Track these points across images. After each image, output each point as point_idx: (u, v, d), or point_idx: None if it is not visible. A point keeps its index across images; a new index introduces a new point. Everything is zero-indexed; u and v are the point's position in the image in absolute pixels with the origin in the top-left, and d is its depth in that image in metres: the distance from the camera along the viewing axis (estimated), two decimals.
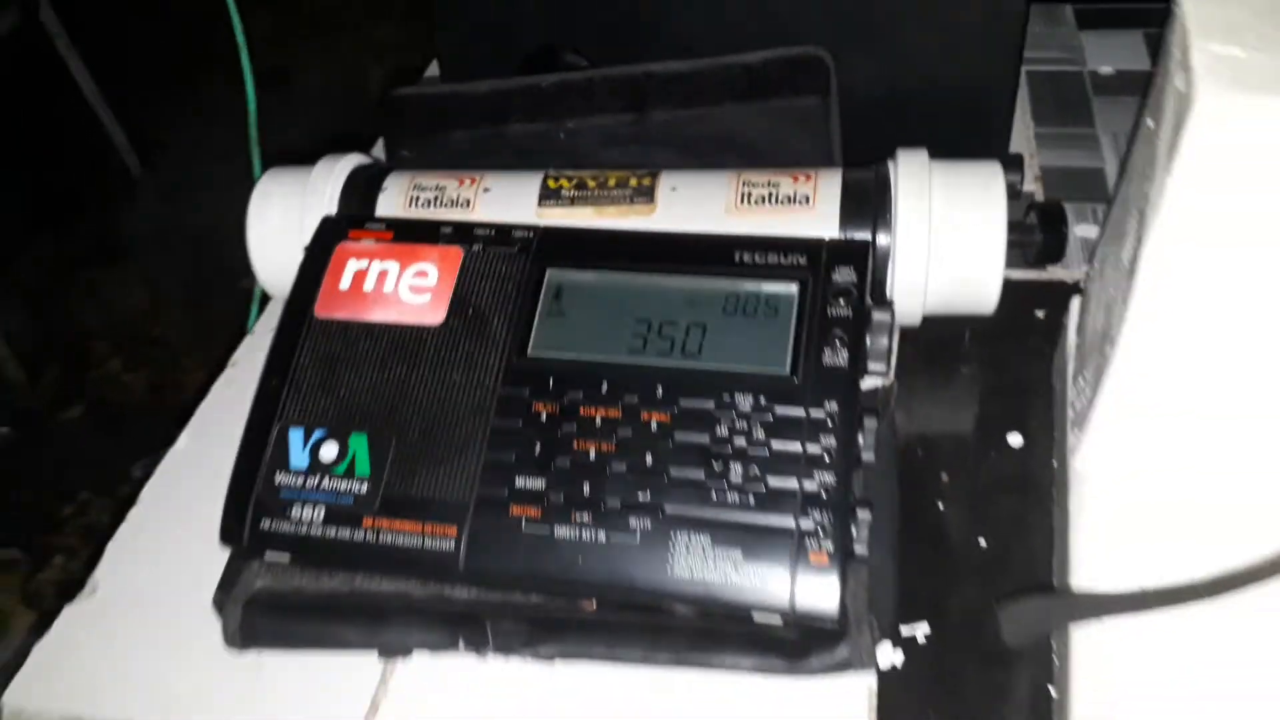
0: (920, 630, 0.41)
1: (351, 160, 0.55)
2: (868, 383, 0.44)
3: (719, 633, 0.40)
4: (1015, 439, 0.47)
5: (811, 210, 0.49)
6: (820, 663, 0.39)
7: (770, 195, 0.50)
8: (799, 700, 0.39)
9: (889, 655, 0.40)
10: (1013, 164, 0.51)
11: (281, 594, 0.43)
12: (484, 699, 0.41)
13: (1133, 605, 0.34)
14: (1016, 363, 0.50)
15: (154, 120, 1.73)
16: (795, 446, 0.40)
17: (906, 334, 0.52)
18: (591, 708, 0.40)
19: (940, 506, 0.45)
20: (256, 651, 0.43)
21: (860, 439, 0.41)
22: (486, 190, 0.53)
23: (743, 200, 0.50)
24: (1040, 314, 0.53)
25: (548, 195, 0.52)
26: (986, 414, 0.49)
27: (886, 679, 0.40)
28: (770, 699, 0.39)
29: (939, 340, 0.51)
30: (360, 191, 0.54)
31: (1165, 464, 0.35)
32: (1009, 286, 0.50)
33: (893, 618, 0.41)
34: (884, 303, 0.45)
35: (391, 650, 0.43)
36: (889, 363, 0.44)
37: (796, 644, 0.39)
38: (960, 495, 0.45)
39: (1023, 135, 0.64)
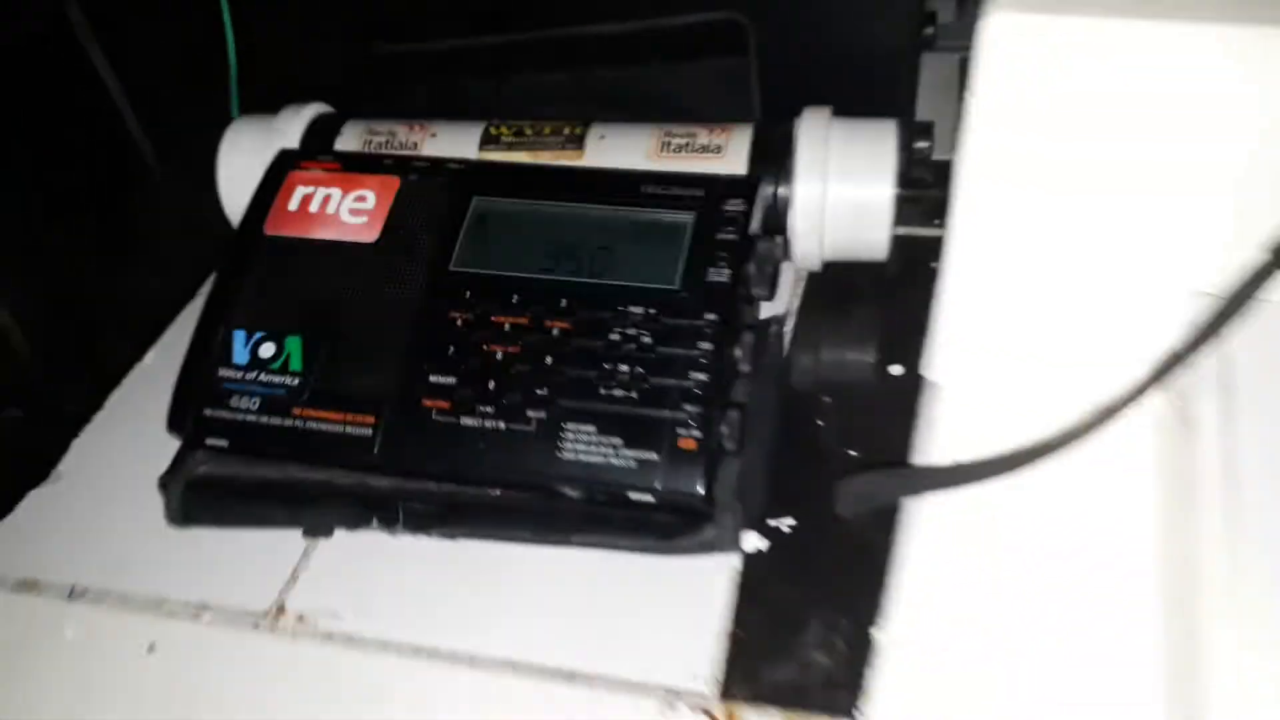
0: (785, 522, 0.45)
1: (315, 108, 0.61)
2: (764, 311, 0.49)
3: (603, 515, 0.44)
4: (896, 369, 0.52)
5: (721, 158, 0.54)
6: (689, 543, 0.44)
7: (687, 144, 0.54)
8: (671, 576, 0.43)
9: (754, 541, 0.45)
10: (922, 130, 0.56)
11: (219, 479, 0.48)
12: (393, 572, 0.46)
13: (953, 479, 0.38)
14: (906, 307, 0.54)
15: (173, 115, 1.79)
16: (677, 351, 0.44)
17: (811, 277, 0.57)
18: (485, 579, 0.45)
19: (820, 423, 0.50)
20: (195, 528, 0.48)
21: (738, 349, 0.45)
22: (434, 136, 0.58)
23: (663, 148, 0.55)
24: (933, 265, 0.57)
25: (488, 140, 0.57)
26: (873, 348, 0.53)
27: (751, 562, 0.44)
28: (647, 575, 0.44)
29: (839, 285, 0.56)
30: (320, 135, 0.59)
31: (990, 385, 0.40)
32: (908, 240, 0.55)
33: (761, 510, 0.45)
34: (774, 237, 0.50)
35: (314, 530, 0.47)
36: (773, 287, 0.48)
37: (669, 526, 0.44)
38: (838, 414, 0.50)
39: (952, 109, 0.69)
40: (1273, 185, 0.33)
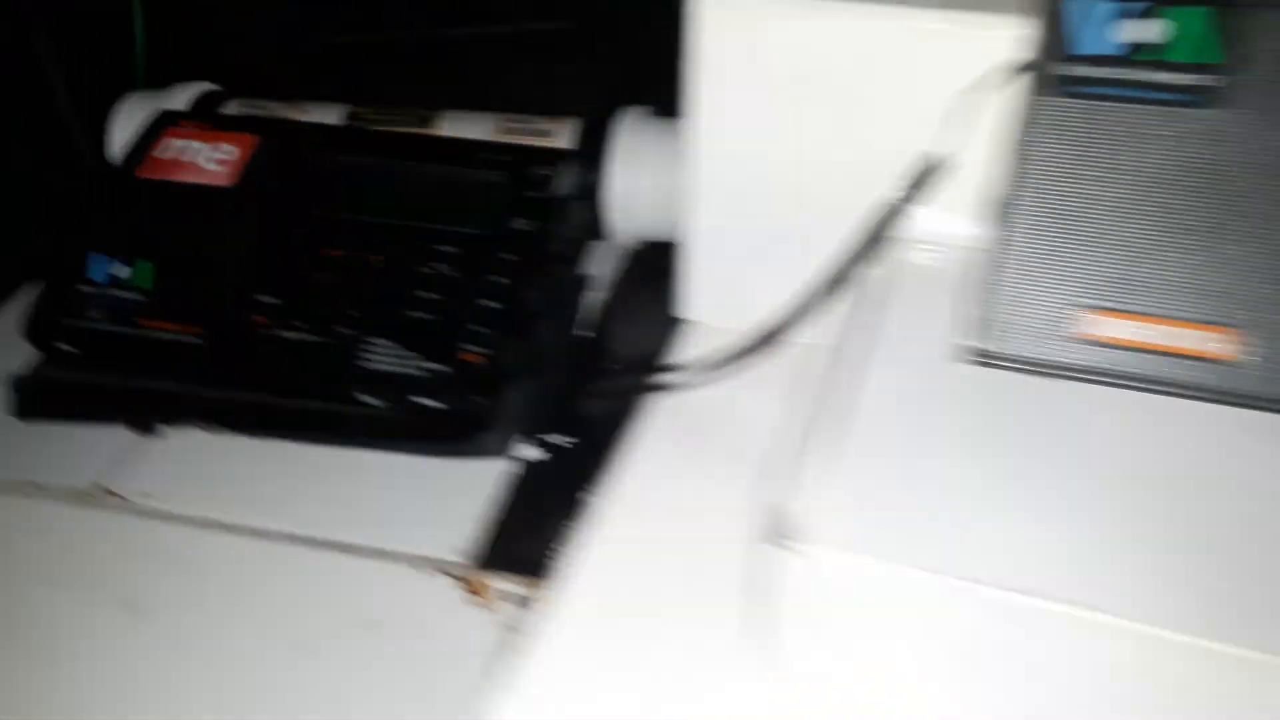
0: (566, 440, 0.52)
1: (202, 86, 0.68)
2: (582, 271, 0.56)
3: (393, 423, 0.51)
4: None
5: (549, 139, 0.61)
6: (469, 448, 0.50)
7: (523, 130, 0.62)
8: (452, 471, 0.50)
9: (532, 452, 0.51)
10: None
11: (61, 380, 0.54)
12: (201, 459, 0.51)
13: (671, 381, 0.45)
14: None
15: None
16: (476, 283, 0.51)
17: (630, 251, 0.64)
18: (282, 466, 0.50)
19: (616, 367, 0.56)
20: (38, 422, 0.53)
21: (533, 290, 0.52)
22: (304, 113, 0.65)
23: (503, 133, 0.62)
24: None
25: (352, 118, 0.64)
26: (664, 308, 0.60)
27: (529, 468, 0.50)
28: (428, 468, 0.50)
29: (654, 259, 0.63)
30: (205, 108, 0.66)
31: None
32: None
33: (544, 427, 0.52)
34: (585, 204, 0.57)
35: (140, 425, 0.53)
36: (578, 245, 0.56)
37: (453, 431, 0.50)
38: (628, 361, 0.57)
39: None
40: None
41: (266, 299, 0.52)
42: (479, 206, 0.54)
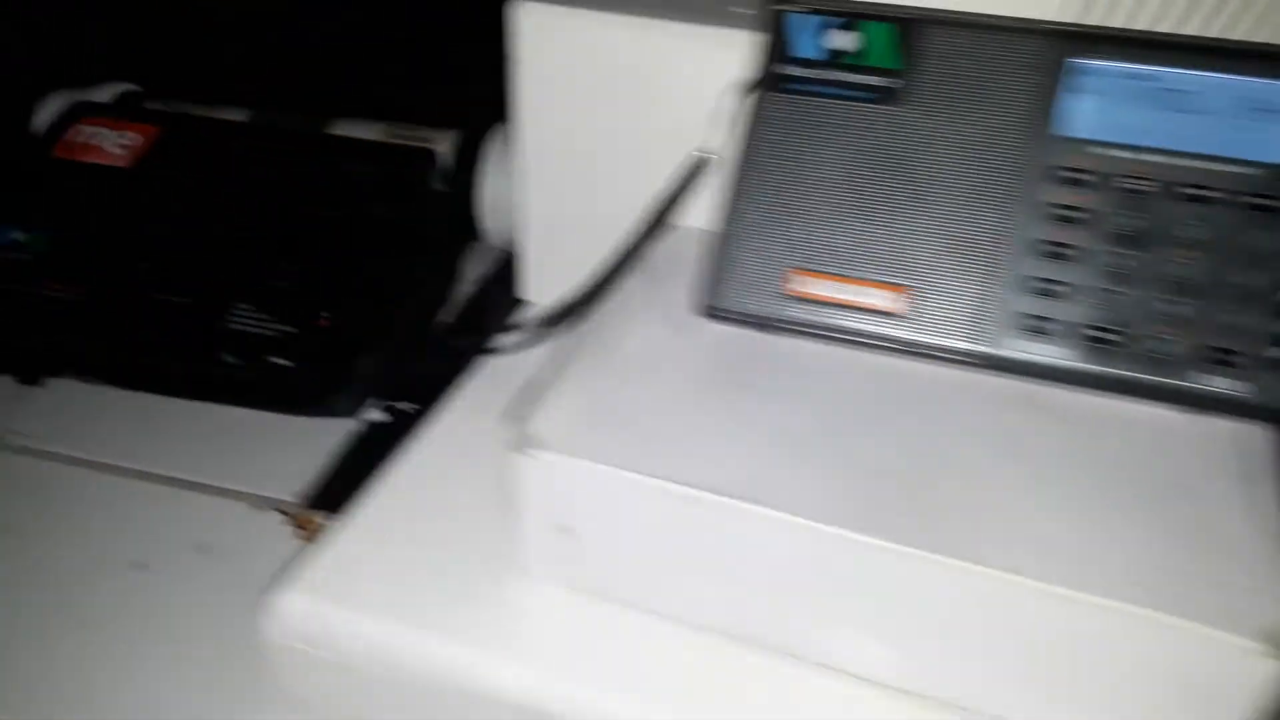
0: (409, 406, 0.57)
1: (123, 86, 0.74)
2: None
3: (251, 380, 0.56)
4: None
5: (431, 145, 0.68)
6: (318, 407, 0.55)
7: (409, 136, 0.69)
8: (305, 428, 0.55)
9: (377, 414, 0.56)
10: None
11: None
12: (73, 403, 0.56)
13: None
14: None
15: None
16: (337, 255, 0.57)
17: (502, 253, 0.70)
18: (146, 408, 0.56)
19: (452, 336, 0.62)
20: None
21: (384, 268, 0.58)
22: (214, 112, 0.71)
23: (390, 138, 0.69)
24: None
25: (254, 118, 0.70)
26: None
27: (373, 427, 0.55)
28: (284, 426, 0.55)
29: None
30: (126, 105, 0.72)
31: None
32: None
33: (391, 393, 0.57)
34: (444, 200, 0.63)
35: (26, 376, 0.58)
36: (441, 242, 0.61)
37: (303, 393, 0.55)
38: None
39: None
40: None
41: (146, 265, 0.58)
42: (347, 193, 0.60)
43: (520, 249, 0.56)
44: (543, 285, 0.56)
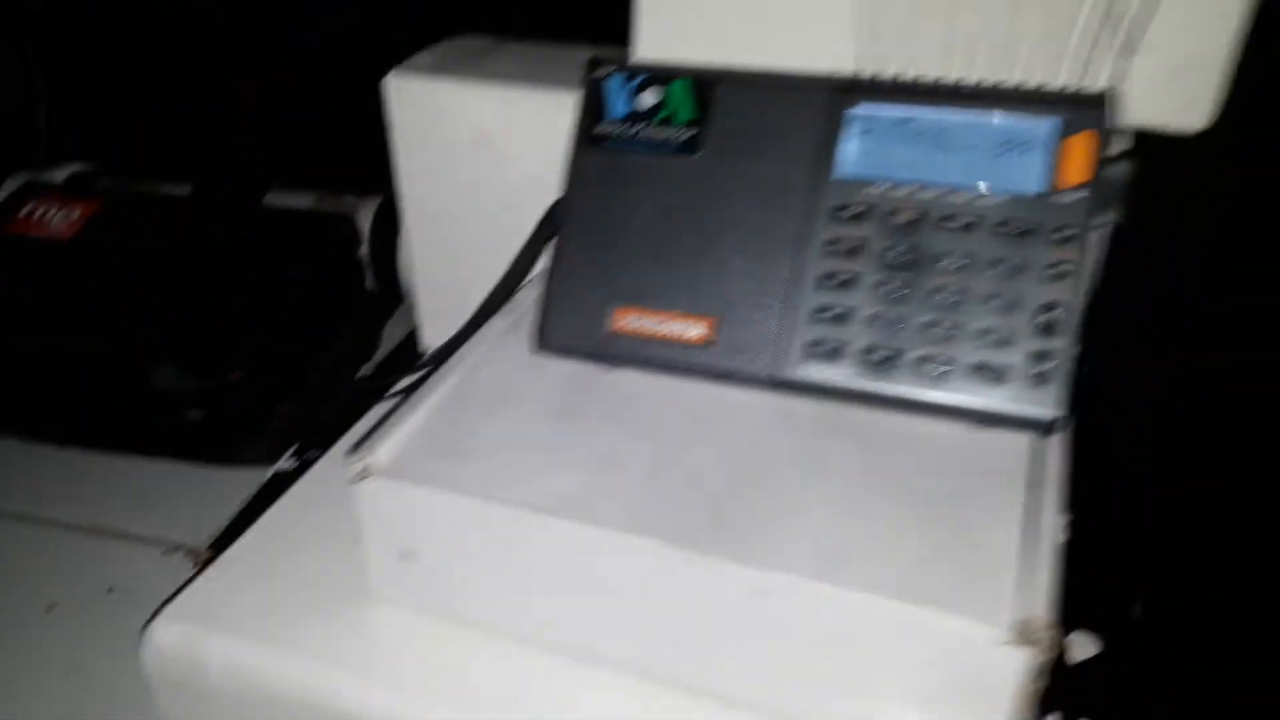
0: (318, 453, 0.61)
1: (79, 166, 0.80)
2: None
3: (172, 435, 0.60)
4: None
5: (351, 213, 0.73)
6: (232, 458, 0.59)
7: (337, 203, 0.74)
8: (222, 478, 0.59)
9: (287, 463, 0.60)
10: None
11: None
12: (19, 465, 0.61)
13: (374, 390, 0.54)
14: None
15: None
16: (254, 316, 0.61)
17: None
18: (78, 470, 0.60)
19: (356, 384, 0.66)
20: None
21: (298, 325, 0.62)
22: (157, 188, 0.77)
23: (319, 204, 0.74)
24: None
25: (194, 191, 0.76)
26: None
27: (280, 475, 0.59)
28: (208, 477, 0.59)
29: None
30: (79, 183, 0.78)
31: None
32: None
33: (304, 443, 0.61)
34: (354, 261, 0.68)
35: None
36: (356, 302, 0.66)
37: (215, 444, 0.59)
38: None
39: None
40: None
41: (77, 328, 0.63)
42: (266, 258, 0.65)
43: (414, 301, 0.60)
44: (437, 335, 0.60)
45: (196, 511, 0.57)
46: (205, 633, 0.43)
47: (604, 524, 0.37)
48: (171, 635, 0.43)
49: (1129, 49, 0.40)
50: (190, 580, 0.45)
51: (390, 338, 0.72)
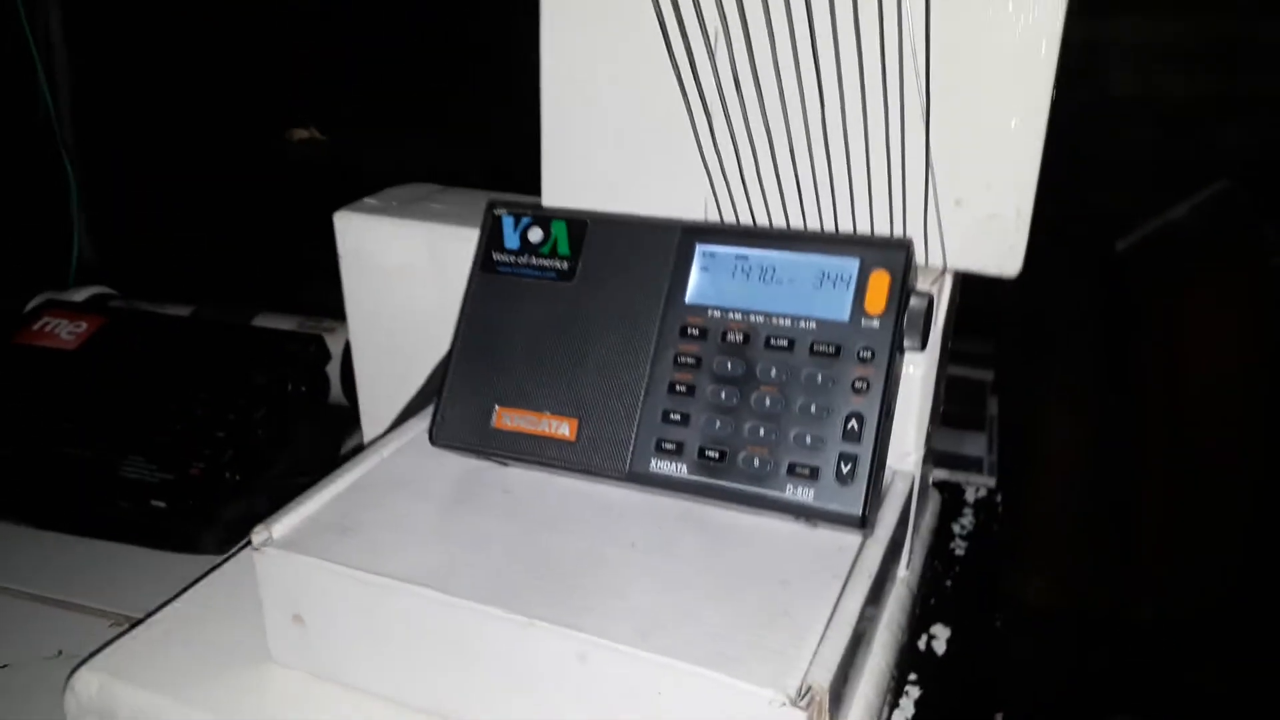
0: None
1: (96, 289, 0.90)
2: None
3: (135, 521, 0.67)
4: None
5: (323, 333, 0.81)
6: (189, 546, 0.65)
7: (316, 326, 0.82)
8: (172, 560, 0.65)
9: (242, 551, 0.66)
10: None
11: None
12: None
13: None
14: None
15: None
16: (215, 418, 0.69)
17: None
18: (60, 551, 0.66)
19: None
20: None
21: (251, 425, 0.69)
22: (161, 308, 0.86)
23: (300, 327, 0.82)
24: None
25: (194, 313, 0.85)
26: None
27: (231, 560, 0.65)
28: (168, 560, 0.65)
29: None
30: (98, 303, 0.88)
31: None
32: None
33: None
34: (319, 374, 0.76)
35: None
36: (315, 408, 0.73)
37: (175, 532, 0.66)
38: None
39: None
40: None
41: (65, 427, 0.70)
42: (240, 370, 0.73)
43: (362, 410, 0.67)
44: (376, 430, 0.66)
45: (147, 590, 0.63)
46: (118, 684, 0.48)
47: (455, 593, 0.42)
48: (89, 685, 0.48)
49: (939, 203, 0.47)
50: (114, 639, 0.50)
51: (353, 447, 0.79)
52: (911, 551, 0.55)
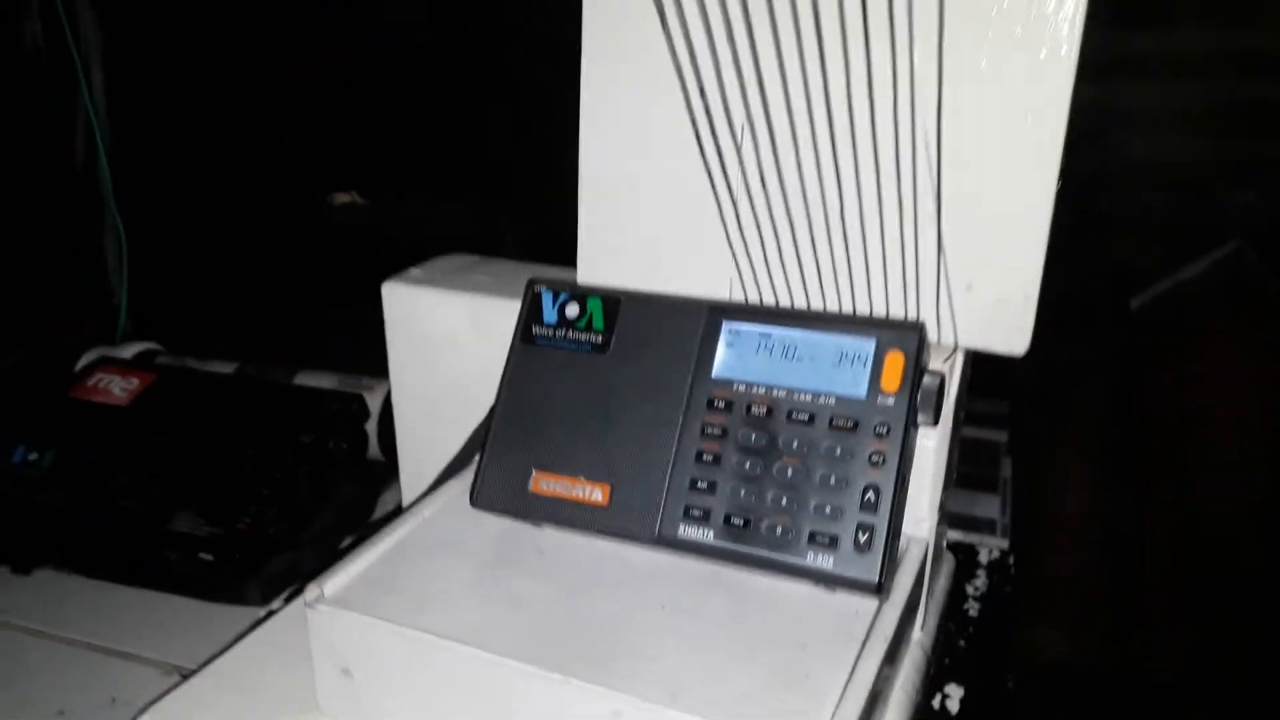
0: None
1: (143, 344, 0.94)
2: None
3: (187, 574, 0.70)
4: None
5: (369, 392, 0.85)
6: (234, 597, 0.69)
7: (354, 384, 0.86)
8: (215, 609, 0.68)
9: (280, 604, 0.69)
10: None
11: None
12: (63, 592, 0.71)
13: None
14: None
15: None
16: (263, 475, 0.72)
17: None
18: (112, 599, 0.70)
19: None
20: None
21: (296, 482, 0.73)
22: (206, 365, 0.90)
23: (339, 385, 0.86)
24: None
25: (238, 370, 0.89)
26: None
27: (274, 614, 0.68)
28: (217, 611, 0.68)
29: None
30: (145, 358, 0.92)
31: None
32: None
33: (300, 585, 0.70)
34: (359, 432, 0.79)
35: (20, 567, 0.73)
36: (355, 464, 0.77)
37: (222, 584, 0.69)
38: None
39: None
40: None
41: (118, 480, 0.74)
42: (285, 427, 0.77)
43: (402, 468, 0.70)
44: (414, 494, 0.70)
45: (196, 640, 0.66)
46: None
47: (495, 650, 0.45)
48: None
49: (950, 287, 0.50)
50: (171, 689, 0.53)
51: (389, 502, 0.82)
52: (926, 614, 0.57)
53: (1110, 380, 1.52)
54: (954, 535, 0.79)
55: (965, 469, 0.94)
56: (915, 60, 0.46)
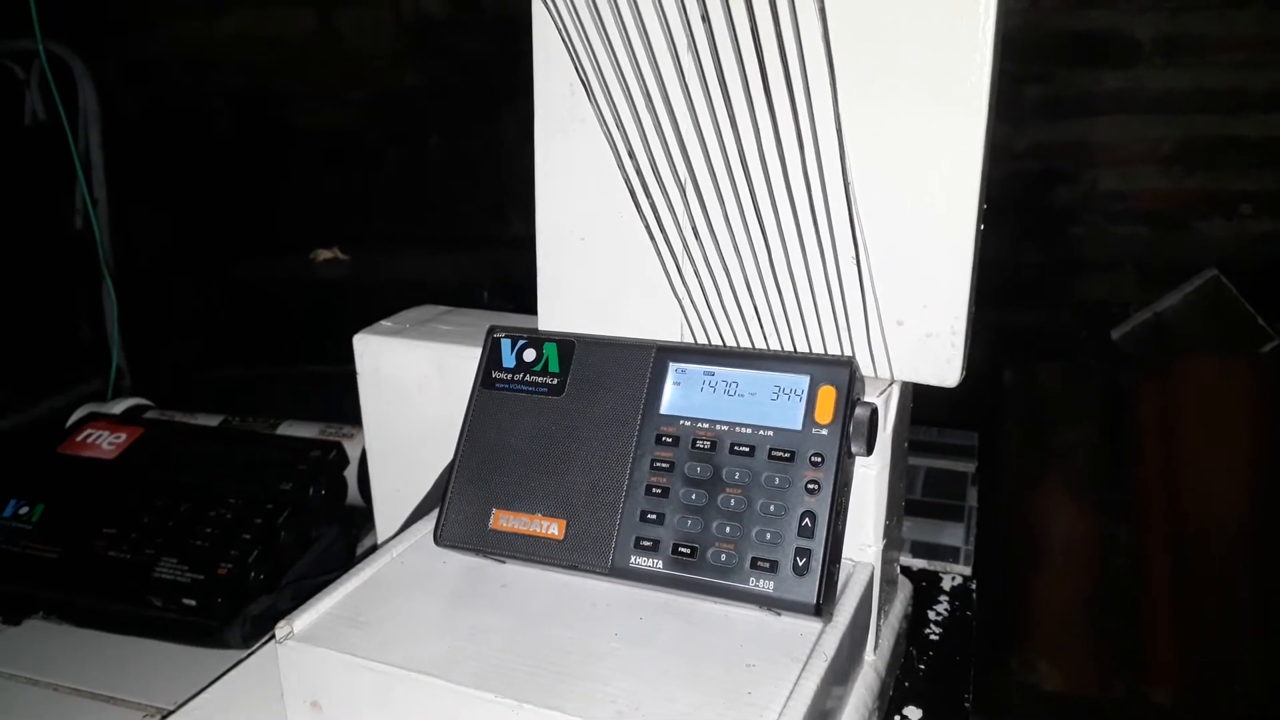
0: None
1: (134, 400, 0.97)
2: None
3: (169, 620, 0.72)
4: None
5: (349, 440, 0.87)
6: (215, 641, 0.71)
7: (336, 432, 0.89)
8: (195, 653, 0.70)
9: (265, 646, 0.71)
10: None
11: None
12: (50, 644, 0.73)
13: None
14: None
15: None
16: (242, 522, 0.75)
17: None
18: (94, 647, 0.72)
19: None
20: None
21: (284, 532, 0.75)
22: (192, 419, 0.93)
23: (321, 434, 0.89)
24: None
25: (223, 423, 0.92)
26: None
27: (252, 656, 0.71)
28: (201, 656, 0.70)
29: None
30: (134, 414, 0.95)
31: None
32: None
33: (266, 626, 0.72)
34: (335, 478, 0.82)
35: (10, 618, 0.76)
36: (334, 511, 0.79)
37: (202, 628, 0.71)
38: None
39: None
40: None
41: (105, 531, 0.77)
42: (267, 475, 0.79)
43: (377, 510, 0.73)
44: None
45: (178, 683, 0.68)
46: None
47: (456, 681, 0.47)
48: None
49: (883, 324, 0.53)
50: None
51: (370, 545, 0.85)
52: (879, 636, 0.59)
53: (1094, 409, 1.55)
54: (919, 563, 0.81)
55: (933, 499, 0.96)
56: (815, 118, 0.50)
